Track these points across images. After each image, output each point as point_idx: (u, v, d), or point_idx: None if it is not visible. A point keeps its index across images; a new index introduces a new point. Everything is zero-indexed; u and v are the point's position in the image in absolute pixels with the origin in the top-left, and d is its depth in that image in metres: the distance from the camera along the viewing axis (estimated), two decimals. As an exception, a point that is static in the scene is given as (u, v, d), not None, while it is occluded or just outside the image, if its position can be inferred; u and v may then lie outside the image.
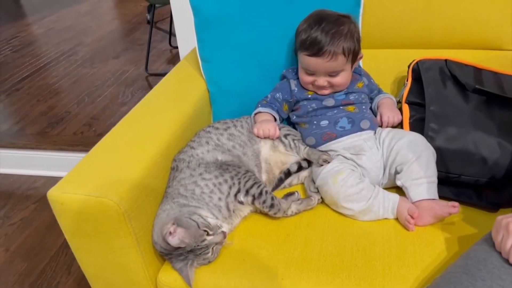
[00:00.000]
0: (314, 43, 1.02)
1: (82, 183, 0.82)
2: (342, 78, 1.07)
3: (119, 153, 0.92)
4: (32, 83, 2.69)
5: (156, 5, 3.05)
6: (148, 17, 3.62)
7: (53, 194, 0.81)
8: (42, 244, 1.63)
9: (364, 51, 1.21)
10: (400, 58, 1.22)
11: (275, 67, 1.18)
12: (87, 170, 0.87)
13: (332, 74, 1.06)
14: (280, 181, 1.05)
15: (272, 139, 1.07)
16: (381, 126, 1.09)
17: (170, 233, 0.82)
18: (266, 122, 1.08)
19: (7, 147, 2.03)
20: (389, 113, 1.07)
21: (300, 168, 1.06)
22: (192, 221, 0.84)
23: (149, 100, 1.12)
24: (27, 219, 1.76)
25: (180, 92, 1.17)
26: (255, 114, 1.13)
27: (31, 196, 1.90)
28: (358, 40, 1.07)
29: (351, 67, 1.08)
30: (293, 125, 1.15)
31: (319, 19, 1.04)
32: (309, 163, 1.07)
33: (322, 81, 1.06)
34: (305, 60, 1.06)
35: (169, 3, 2.68)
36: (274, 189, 1.04)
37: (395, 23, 1.21)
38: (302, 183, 1.08)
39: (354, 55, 1.06)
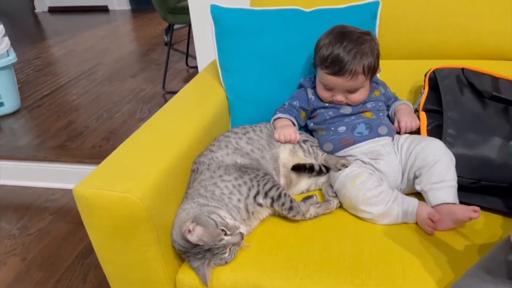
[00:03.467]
0: (335, 62, 1.03)
1: (107, 180, 0.84)
2: (360, 95, 1.09)
3: (142, 153, 0.94)
4: (53, 100, 2.77)
5: (175, 27, 3.15)
6: (166, 39, 3.73)
7: (78, 189, 0.83)
8: (58, 254, 1.64)
9: (380, 62, 1.23)
10: (416, 69, 1.23)
11: (293, 76, 1.20)
12: (112, 168, 0.89)
13: (351, 91, 1.08)
14: (304, 168, 1.05)
15: (293, 143, 1.08)
16: (399, 132, 1.09)
17: (189, 231, 0.83)
18: (287, 127, 1.09)
19: (27, 159, 2.08)
20: (407, 119, 1.08)
21: (320, 172, 1.07)
22: (210, 220, 0.85)
23: (170, 107, 1.15)
24: (44, 230, 1.78)
25: (200, 99, 1.20)
26: (274, 120, 1.15)
27: (48, 208, 1.92)
28: (378, 56, 1.08)
29: (370, 82, 1.10)
30: (310, 132, 1.17)
31: (341, 37, 1.05)
32: (327, 169, 1.08)
33: (340, 97, 1.08)
34: (325, 77, 1.07)
35: (188, 23, 2.77)
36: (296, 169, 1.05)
37: (411, 34, 1.23)
38: (320, 189, 1.08)
39: (373, 71, 1.08)
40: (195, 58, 2.20)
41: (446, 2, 1.19)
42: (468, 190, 0.99)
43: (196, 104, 1.17)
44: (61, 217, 1.86)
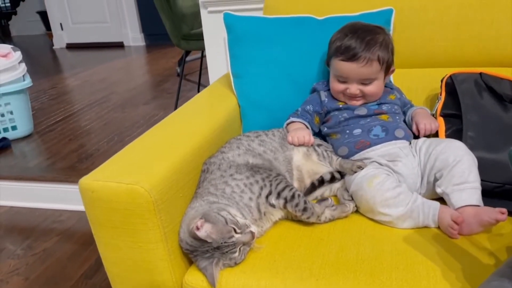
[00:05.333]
0: (349, 48, 1.03)
1: (114, 172, 0.82)
2: (375, 87, 1.06)
3: (152, 150, 0.93)
4: (65, 125, 2.78)
5: (187, 59, 3.22)
6: (178, 70, 3.79)
7: (84, 182, 0.80)
8: (63, 274, 1.59)
9: (395, 71, 1.22)
10: (431, 77, 1.20)
11: (306, 83, 1.19)
12: (120, 162, 0.87)
13: (365, 82, 1.05)
14: (313, 187, 1.01)
15: (307, 146, 1.05)
16: (417, 136, 1.05)
17: (197, 228, 0.79)
18: (301, 129, 1.07)
19: (36, 180, 2.06)
20: (425, 121, 1.05)
21: (333, 179, 1.02)
22: (220, 217, 0.81)
23: (182, 110, 1.14)
24: (49, 250, 1.74)
25: (212, 104, 1.19)
26: (288, 124, 1.12)
27: (55, 229, 1.89)
28: (392, 52, 1.07)
29: (384, 77, 1.08)
30: (323, 138, 1.13)
31: (354, 29, 1.06)
32: (342, 175, 1.04)
33: (354, 89, 1.06)
34: (339, 65, 1.06)
35: (201, 49, 2.82)
36: (305, 195, 1.00)
37: (426, 43, 1.22)
38: (335, 195, 1.04)
39: (387, 65, 1.06)
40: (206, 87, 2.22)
41: (461, 10, 1.18)
42: (492, 195, 0.94)
43: (208, 108, 1.16)
44: (67, 238, 1.81)
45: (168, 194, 0.82)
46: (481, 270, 0.76)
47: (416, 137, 1.06)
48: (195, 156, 0.95)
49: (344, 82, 1.07)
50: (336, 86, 1.08)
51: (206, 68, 2.14)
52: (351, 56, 1.02)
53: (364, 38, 1.02)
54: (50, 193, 2.05)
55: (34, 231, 1.87)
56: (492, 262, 0.79)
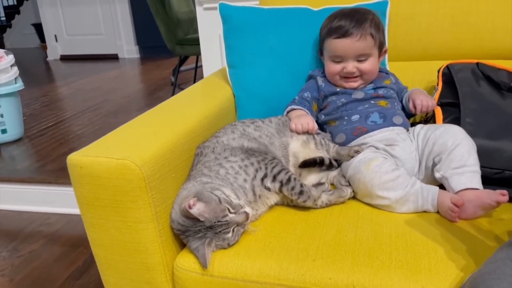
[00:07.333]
0: (341, 26, 1.04)
1: (104, 149, 0.79)
2: (370, 65, 1.06)
3: (144, 130, 0.90)
4: (56, 130, 2.74)
5: (181, 68, 3.22)
6: (173, 79, 3.79)
7: (73, 157, 0.77)
8: (49, 276, 1.54)
9: (391, 64, 1.21)
10: (428, 70, 1.20)
11: (302, 73, 1.18)
12: (111, 140, 0.84)
13: (361, 58, 1.05)
14: (314, 162, 0.99)
15: (311, 133, 1.03)
16: (415, 114, 1.05)
17: (190, 206, 0.76)
18: (303, 116, 1.05)
19: (25, 181, 2.01)
20: (422, 97, 1.04)
21: (331, 165, 1.00)
22: (213, 196, 0.78)
23: (176, 98, 1.12)
24: (35, 252, 1.69)
25: (207, 93, 1.17)
26: (288, 112, 1.10)
27: (42, 232, 1.84)
28: (383, 32, 1.08)
29: (378, 56, 1.08)
30: (321, 126, 1.11)
31: (343, 12, 1.08)
32: (338, 164, 1.01)
33: (350, 67, 1.05)
34: (333, 44, 1.06)
35: (196, 54, 2.82)
36: (300, 166, 0.99)
37: (422, 35, 1.21)
38: (332, 184, 1.01)
39: (380, 44, 1.07)
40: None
41: (457, 1, 1.18)
42: (492, 181, 0.92)
43: (204, 97, 1.14)
44: (54, 241, 1.76)
45: (160, 172, 0.79)
46: (483, 250, 0.73)
47: (414, 124, 1.04)
48: (188, 139, 0.92)
49: (340, 62, 1.07)
50: (332, 68, 1.07)
51: (201, 77, 2.13)
52: (344, 32, 1.04)
53: (354, 16, 1.04)
54: (38, 196, 2.00)
55: (21, 234, 1.82)
56: (493, 243, 0.76)
